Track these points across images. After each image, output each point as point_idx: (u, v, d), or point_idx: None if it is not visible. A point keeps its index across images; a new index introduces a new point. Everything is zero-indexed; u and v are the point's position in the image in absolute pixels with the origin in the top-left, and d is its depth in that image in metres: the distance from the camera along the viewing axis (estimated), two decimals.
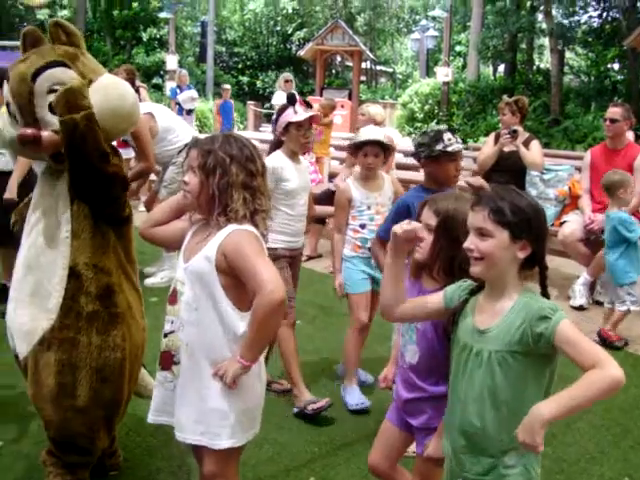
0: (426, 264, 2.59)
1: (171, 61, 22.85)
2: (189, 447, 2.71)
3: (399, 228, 2.26)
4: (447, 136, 3.64)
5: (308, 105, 4.27)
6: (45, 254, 2.96)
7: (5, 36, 24.05)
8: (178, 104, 14.45)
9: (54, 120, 2.82)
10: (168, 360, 2.53)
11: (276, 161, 4.14)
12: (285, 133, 4.17)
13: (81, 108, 2.76)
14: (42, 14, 27.17)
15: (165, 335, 2.54)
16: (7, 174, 5.41)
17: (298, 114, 4.12)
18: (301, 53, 24.80)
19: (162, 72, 26.09)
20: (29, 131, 2.82)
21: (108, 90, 2.97)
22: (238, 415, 2.46)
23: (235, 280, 2.37)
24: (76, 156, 2.82)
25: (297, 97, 4.24)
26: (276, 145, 4.29)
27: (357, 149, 4.27)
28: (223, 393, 2.42)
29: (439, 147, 3.61)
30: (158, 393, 2.61)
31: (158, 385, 2.61)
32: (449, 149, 3.61)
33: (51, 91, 2.83)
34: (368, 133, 4.31)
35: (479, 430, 2.15)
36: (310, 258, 7.61)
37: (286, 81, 11.73)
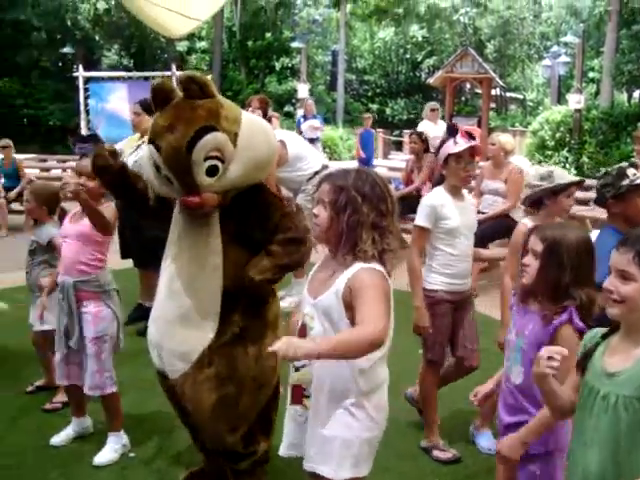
0: (533, 289, 2.64)
1: (302, 89, 23.30)
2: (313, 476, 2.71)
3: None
4: (631, 171, 3.55)
5: (470, 136, 4.02)
6: (199, 280, 3.12)
7: (148, 67, 25.26)
8: (301, 133, 14.68)
9: (211, 181, 2.98)
10: (299, 394, 2.56)
11: (435, 198, 3.94)
12: (445, 166, 3.96)
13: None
14: (181, 46, 28.42)
15: (296, 369, 2.55)
16: None
17: (458, 145, 3.89)
18: (430, 81, 24.77)
19: (294, 100, 26.65)
20: (195, 200, 3.00)
21: (255, 145, 3.09)
22: (361, 445, 2.47)
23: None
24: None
25: (458, 127, 4.06)
26: (440, 180, 4.16)
27: (557, 192, 3.73)
28: (347, 423, 2.45)
29: (625, 183, 3.51)
30: (290, 427, 2.64)
31: (289, 419, 2.64)
32: (637, 182, 3.51)
33: (208, 158, 2.94)
34: (564, 174, 3.87)
35: (599, 477, 2.06)
36: None
37: (432, 110, 11.62)
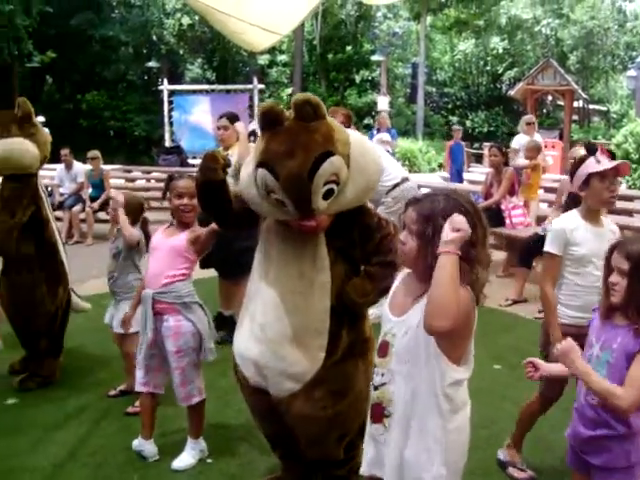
0: (622, 306, 2.61)
1: (382, 102, 23.35)
2: None
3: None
4: None
5: (612, 155, 3.82)
6: (308, 299, 3.14)
7: (229, 80, 25.71)
8: None
9: (326, 205, 3.01)
10: (379, 413, 2.54)
11: (567, 222, 3.69)
12: (585, 187, 3.64)
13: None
14: (263, 59, 28.81)
15: (376, 388, 2.55)
16: None
17: (601, 163, 3.60)
18: (511, 93, 24.49)
19: (373, 113, 26.69)
20: (312, 224, 3.04)
21: (366, 165, 3.14)
22: (442, 467, 2.43)
23: (449, 334, 2.32)
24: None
25: (597, 146, 3.84)
26: (573, 202, 3.96)
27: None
28: (429, 445, 2.42)
29: None
30: (370, 447, 2.63)
31: (370, 438, 2.63)
32: None
33: (326, 183, 2.96)
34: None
35: None
36: (515, 302, 7.45)
37: (528, 123, 11.44)
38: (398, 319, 2.46)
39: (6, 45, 21.30)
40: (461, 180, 15.04)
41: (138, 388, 4.19)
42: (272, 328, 3.18)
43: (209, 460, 4.16)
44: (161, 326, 4.01)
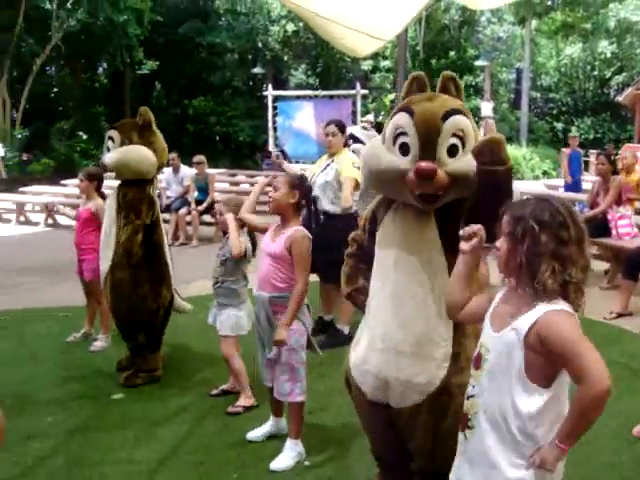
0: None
1: (486, 108, 23.03)
2: None
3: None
4: None
5: None
6: (428, 305, 3.07)
7: (333, 86, 25.88)
8: None
9: (448, 161, 3.00)
10: (464, 423, 2.52)
11: None
12: None
13: (502, 161, 2.97)
14: (366, 65, 28.87)
15: (467, 397, 2.52)
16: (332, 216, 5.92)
17: None
18: (619, 98, 23.74)
19: (477, 119, 26.37)
20: (432, 166, 2.96)
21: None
22: None
23: (542, 358, 2.26)
24: (483, 204, 2.87)
25: None
26: None
27: None
28: (513, 467, 2.34)
29: None
30: (457, 454, 2.60)
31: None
32: None
33: (454, 135, 3.02)
34: None
35: None
36: (620, 315, 7.21)
37: None
38: (495, 334, 2.40)
39: (119, 53, 22.12)
40: (579, 190, 14.29)
41: (265, 383, 4.36)
42: (393, 337, 3.12)
43: (306, 462, 4.20)
44: (274, 324, 4.13)
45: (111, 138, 5.52)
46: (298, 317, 4.11)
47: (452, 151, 3.01)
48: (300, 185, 4.26)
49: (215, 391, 5.21)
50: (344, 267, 3.57)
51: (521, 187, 11.94)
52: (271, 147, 21.25)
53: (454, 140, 3.01)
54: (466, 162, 3.00)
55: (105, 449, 4.42)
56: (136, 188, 5.51)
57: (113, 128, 5.63)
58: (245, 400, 4.90)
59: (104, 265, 5.52)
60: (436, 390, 3.08)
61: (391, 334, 3.13)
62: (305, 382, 4.21)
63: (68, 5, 19.93)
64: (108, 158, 5.45)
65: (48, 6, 20.55)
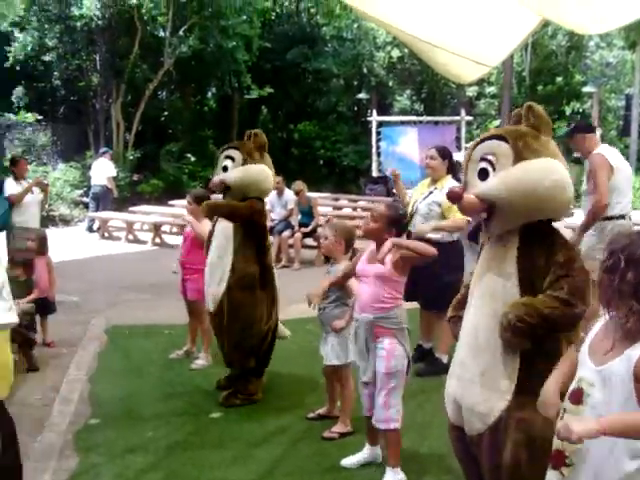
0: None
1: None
2: None
3: None
4: None
5: None
6: (494, 334, 3.04)
7: (437, 112, 25.78)
8: None
9: (477, 184, 3.09)
10: (559, 460, 2.45)
11: None
12: None
13: None
14: (471, 91, 28.62)
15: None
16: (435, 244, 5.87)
17: None
18: None
19: None
20: (458, 191, 3.14)
21: (530, 176, 3.05)
22: None
23: None
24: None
25: None
26: None
27: None
28: None
29: None
30: None
31: None
32: None
33: (482, 159, 3.10)
34: None
35: None
36: None
37: None
38: (598, 368, 2.34)
39: (228, 78, 22.70)
40: None
41: (366, 413, 4.34)
42: (467, 365, 3.16)
43: None
44: (375, 347, 4.12)
45: (231, 157, 5.56)
46: (399, 340, 4.10)
47: (482, 175, 3.10)
48: (398, 223, 4.27)
49: (312, 414, 5.23)
50: (458, 294, 3.54)
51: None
52: (374, 172, 21.31)
53: (483, 164, 3.09)
54: (494, 184, 3.04)
55: (203, 467, 4.50)
56: (254, 201, 5.59)
57: (233, 148, 5.66)
58: (342, 426, 4.89)
59: (216, 287, 5.54)
60: (495, 421, 3.05)
61: (465, 361, 3.17)
62: (401, 408, 4.18)
63: (180, 33, 20.58)
64: (230, 177, 5.51)
65: (162, 34, 21.32)
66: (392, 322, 4.11)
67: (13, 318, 2.06)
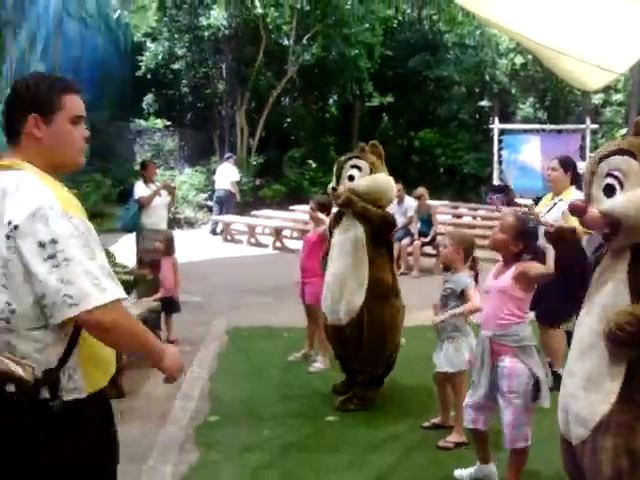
0: None
1: None
2: None
3: None
4: None
5: None
6: (600, 339, 2.98)
7: (561, 120, 25.13)
8: None
9: (603, 200, 2.99)
10: None
11: None
12: None
13: None
14: (597, 98, 27.73)
15: None
16: None
17: None
18: None
19: None
20: (575, 202, 3.13)
21: None
22: None
23: None
24: None
25: None
26: None
27: None
28: None
29: None
30: None
31: None
32: None
33: (608, 175, 3.00)
34: None
35: None
36: None
37: None
38: None
39: (349, 86, 22.90)
40: None
41: (467, 425, 4.28)
42: (574, 370, 3.12)
43: None
44: (497, 365, 4.06)
45: (357, 167, 5.61)
46: (521, 358, 4.01)
47: (608, 191, 3.00)
48: (527, 235, 4.15)
49: (427, 423, 5.20)
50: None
51: None
52: (495, 181, 20.97)
53: (609, 180, 2.99)
54: (621, 203, 2.93)
55: (319, 469, 4.57)
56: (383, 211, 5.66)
57: (358, 157, 5.69)
58: (457, 436, 4.85)
59: (350, 297, 5.51)
60: (596, 425, 2.96)
61: (573, 367, 3.12)
62: (528, 427, 4.06)
63: (304, 41, 20.92)
64: (359, 185, 5.55)
65: (286, 42, 21.73)
66: (512, 339, 4.01)
67: (123, 293, 2.23)
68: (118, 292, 2.18)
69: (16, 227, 2.09)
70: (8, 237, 2.10)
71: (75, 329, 2.18)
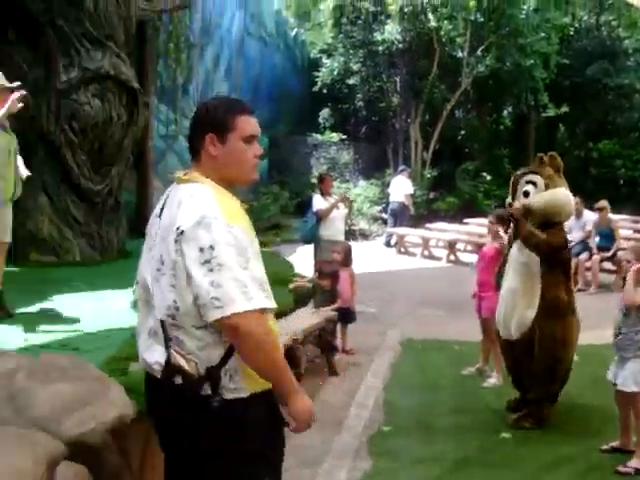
0: None
1: None
2: None
3: None
4: None
5: None
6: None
7: None
8: None
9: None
10: None
11: None
12: None
13: None
14: None
15: None
16: None
17: None
18: None
19: None
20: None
21: None
22: None
23: None
24: None
25: None
26: None
27: None
28: None
29: None
30: None
31: None
32: None
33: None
34: None
35: None
36: None
37: None
38: None
39: (524, 97, 22.47)
40: None
41: None
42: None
43: None
44: None
45: (532, 182, 5.55)
46: None
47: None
48: None
49: (605, 446, 5.07)
50: None
51: None
52: None
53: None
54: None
55: None
56: (556, 231, 5.60)
57: (534, 172, 5.64)
58: (638, 462, 4.71)
59: (523, 312, 5.52)
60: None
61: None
62: None
63: (478, 52, 20.76)
64: (535, 202, 5.50)
65: (459, 54, 21.63)
66: None
67: (272, 303, 2.37)
68: (265, 302, 2.30)
69: (182, 232, 2.30)
70: (176, 241, 2.31)
71: None
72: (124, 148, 9.40)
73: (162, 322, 2.37)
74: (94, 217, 9.09)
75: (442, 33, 20.07)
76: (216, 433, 2.33)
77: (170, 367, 2.33)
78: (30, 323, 5.50)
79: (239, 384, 2.35)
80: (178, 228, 2.31)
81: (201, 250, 2.26)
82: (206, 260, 2.25)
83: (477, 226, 15.76)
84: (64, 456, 3.02)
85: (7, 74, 5.80)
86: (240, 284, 2.24)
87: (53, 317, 5.83)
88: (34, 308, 6.07)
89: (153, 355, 2.40)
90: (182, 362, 2.30)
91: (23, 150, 6.09)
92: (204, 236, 2.26)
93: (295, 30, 22.52)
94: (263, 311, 2.29)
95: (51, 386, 3.40)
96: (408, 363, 7.37)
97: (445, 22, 19.96)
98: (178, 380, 2.32)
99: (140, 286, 2.50)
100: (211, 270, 2.24)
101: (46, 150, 8.37)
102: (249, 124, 2.51)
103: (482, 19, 20.76)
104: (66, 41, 8.62)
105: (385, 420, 5.76)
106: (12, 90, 5.59)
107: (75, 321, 5.68)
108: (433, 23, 19.84)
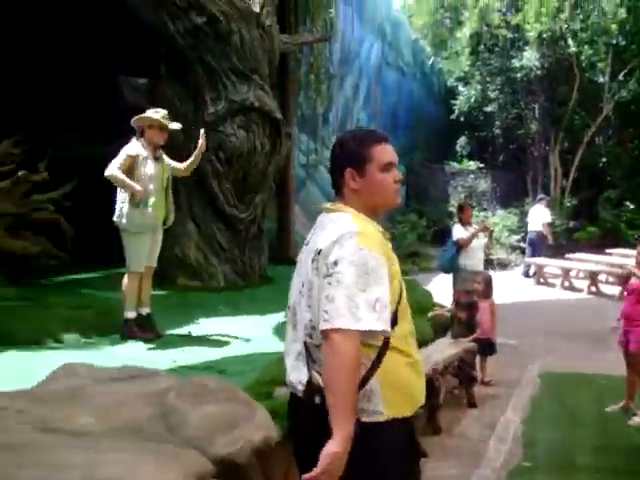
0: None
1: None
2: None
3: None
4: None
5: None
6: None
7: None
8: None
9: None
10: None
11: None
12: None
13: None
14: None
15: None
16: None
17: None
18: None
19: None
20: None
21: None
22: None
23: None
24: None
25: None
26: None
27: None
28: None
29: None
30: None
31: None
32: None
33: None
34: None
35: None
36: None
37: None
38: None
39: None
40: None
41: None
42: None
43: None
44: None
45: None
46: None
47: None
48: None
49: None
50: None
51: None
52: None
53: None
54: None
55: None
56: None
57: None
58: None
59: None
60: None
61: None
62: None
63: (620, 77, 20.21)
64: None
65: (600, 79, 21.07)
66: None
67: (382, 326, 2.34)
68: (374, 324, 2.27)
69: (319, 252, 2.39)
70: (313, 261, 2.41)
71: (378, 354, 2.35)
72: (267, 177, 9.74)
73: (305, 343, 2.44)
74: (238, 244, 9.43)
75: (582, 58, 19.70)
76: (350, 456, 2.23)
77: (311, 386, 2.37)
78: (177, 345, 5.82)
79: (377, 407, 2.34)
80: (317, 249, 2.40)
81: (327, 265, 2.33)
82: (329, 274, 2.31)
83: (620, 257, 15.24)
84: (212, 474, 3.15)
85: (161, 108, 6.30)
86: (352, 303, 2.24)
87: (199, 340, 6.14)
88: (181, 330, 6.40)
89: (298, 375, 2.46)
90: (321, 381, 2.32)
91: (173, 179, 6.52)
92: (335, 252, 2.32)
93: (432, 59, 22.65)
94: (365, 333, 2.26)
95: (201, 407, 3.55)
96: (548, 397, 7.23)
97: (585, 47, 19.60)
98: (317, 399, 2.34)
99: (290, 310, 2.59)
100: (330, 284, 2.29)
101: (194, 179, 8.72)
102: (385, 152, 2.55)
103: (624, 42, 20.24)
104: (214, 75, 9.09)
105: (525, 455, 5.64)
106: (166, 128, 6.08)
107: (220, 344, 5.96)
108: (573, 48, 19.53)
